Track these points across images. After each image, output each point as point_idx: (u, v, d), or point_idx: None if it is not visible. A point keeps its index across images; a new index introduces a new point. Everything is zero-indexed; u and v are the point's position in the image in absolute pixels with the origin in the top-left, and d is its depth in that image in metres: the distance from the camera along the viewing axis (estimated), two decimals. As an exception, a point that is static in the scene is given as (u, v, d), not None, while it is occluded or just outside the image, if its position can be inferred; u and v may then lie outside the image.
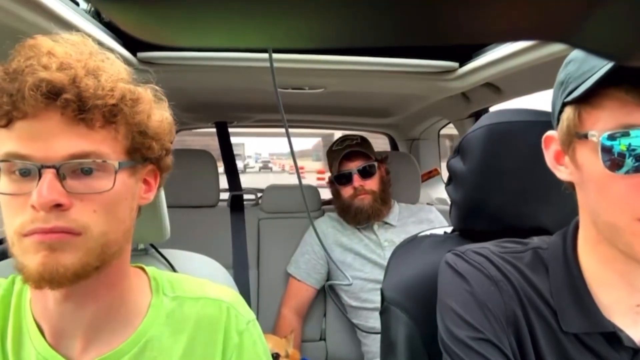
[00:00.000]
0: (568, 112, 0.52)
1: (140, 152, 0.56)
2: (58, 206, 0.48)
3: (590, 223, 0.55)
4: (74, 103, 0.48)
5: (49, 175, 0.48)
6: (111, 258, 0.54)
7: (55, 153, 0.48)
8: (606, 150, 0.47)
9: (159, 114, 0.58)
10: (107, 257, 0.53)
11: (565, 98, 0.52)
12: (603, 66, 0.46)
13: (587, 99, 0.49)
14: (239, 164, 2.28)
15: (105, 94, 0.50)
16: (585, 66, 0.49)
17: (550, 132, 0.57)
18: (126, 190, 0.54)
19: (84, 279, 0.51)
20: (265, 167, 41.24)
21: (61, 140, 0.49)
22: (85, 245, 0.50)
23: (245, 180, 2.15)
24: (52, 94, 0.47)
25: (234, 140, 2.17)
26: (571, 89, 0.51)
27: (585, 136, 0.49)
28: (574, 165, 0.53)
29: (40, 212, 0.48)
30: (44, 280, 0.48)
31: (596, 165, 0.48)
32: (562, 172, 0.56)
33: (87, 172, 0.51)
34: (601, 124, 0.48)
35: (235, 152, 2.10)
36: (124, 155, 0.54)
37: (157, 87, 0.60)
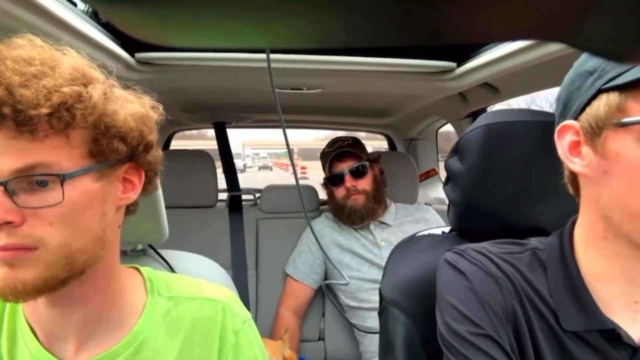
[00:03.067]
0: (609, 98, 0.50)
1: (104, 154, 0.53)
2: (9, 223, 0.47)
3: (598, 218, 0.54)
4: (10, 117, 0.46)
5: None
6: (84, 267, 0.52)
7: (1, 170, 0.47)
8: None
9: (122, 111, 0.54)
10: (78, 267, 0.51)
11: (604, 84, 0.50)
12: None
13: (636, 86, 0.48)
14: (238, 164, 2.28)
15: (43, 103, 0.46)
16: None
17: (567, 122, 0.55)
18: (89, 197, 0.51)
19: (53, 291, 0.50)
20: (265, 167, 44.50)
21: (4, 156, 0.47)
22: (43, 259, 0.48)
23: (247, 177, 2.15)
24: None
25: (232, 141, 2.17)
26: (613, 76, 0.50)
27: (631, 123, 0.48)
28: (599, 156, 0.52)
29: None
30: (5, 295, 0.48)
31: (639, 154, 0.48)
32: (576, 164, 0.54)
33: (42, 184, 0.48)
34: None
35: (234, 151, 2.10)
36: (86, 160, 0.51)
37: (115, 83, 0.57)
